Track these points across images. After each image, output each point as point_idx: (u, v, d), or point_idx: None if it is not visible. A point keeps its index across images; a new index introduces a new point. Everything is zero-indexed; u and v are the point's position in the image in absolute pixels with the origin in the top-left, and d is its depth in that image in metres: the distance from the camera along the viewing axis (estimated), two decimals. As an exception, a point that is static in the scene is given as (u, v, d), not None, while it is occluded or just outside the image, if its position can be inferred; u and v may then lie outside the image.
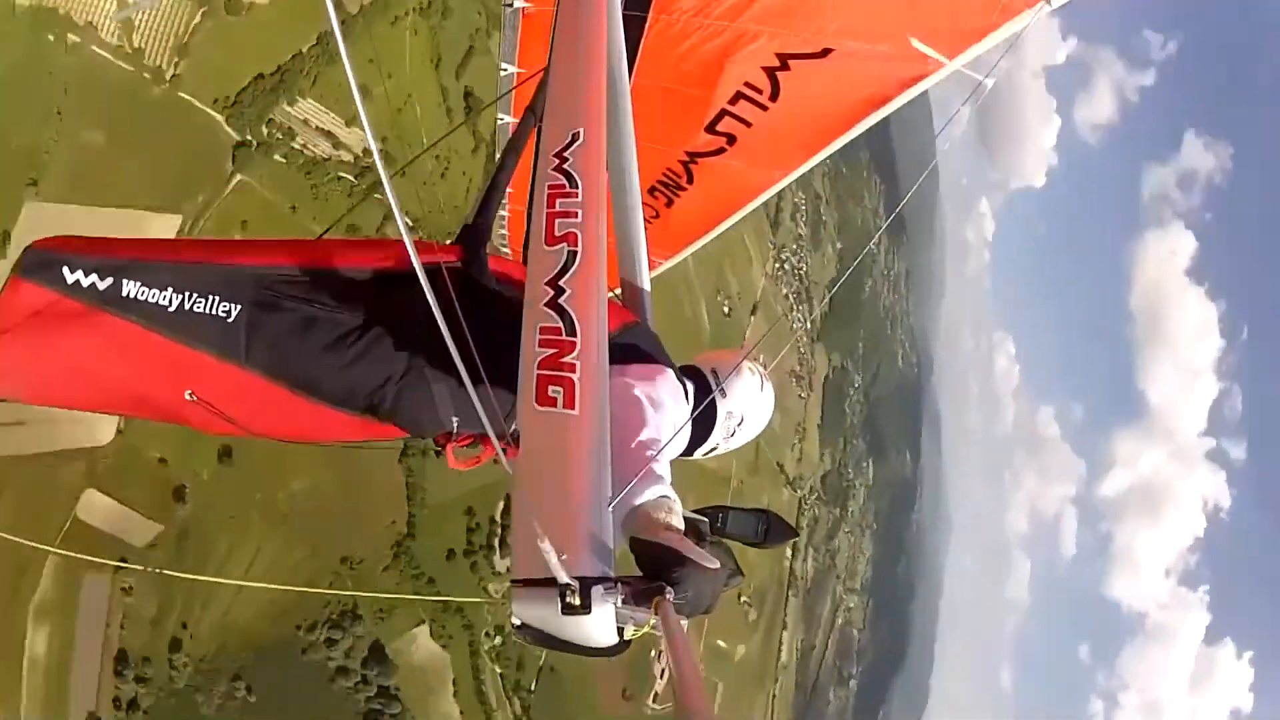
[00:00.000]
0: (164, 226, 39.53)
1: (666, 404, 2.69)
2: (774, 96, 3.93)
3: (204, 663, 40.76)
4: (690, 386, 3.07)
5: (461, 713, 51.03)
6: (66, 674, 36.87)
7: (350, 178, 50.13)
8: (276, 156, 48.06)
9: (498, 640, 51.26)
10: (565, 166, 2.40)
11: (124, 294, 2.33)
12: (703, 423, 3.08)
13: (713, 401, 3.08)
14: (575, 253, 2.21)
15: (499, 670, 51.79)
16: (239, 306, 2.43)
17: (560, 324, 2.08)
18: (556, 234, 2.26)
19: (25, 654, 34.99)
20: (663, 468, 2.46)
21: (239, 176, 45.78)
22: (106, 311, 2.31)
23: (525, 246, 2.77)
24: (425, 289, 1.69)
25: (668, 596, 1.89)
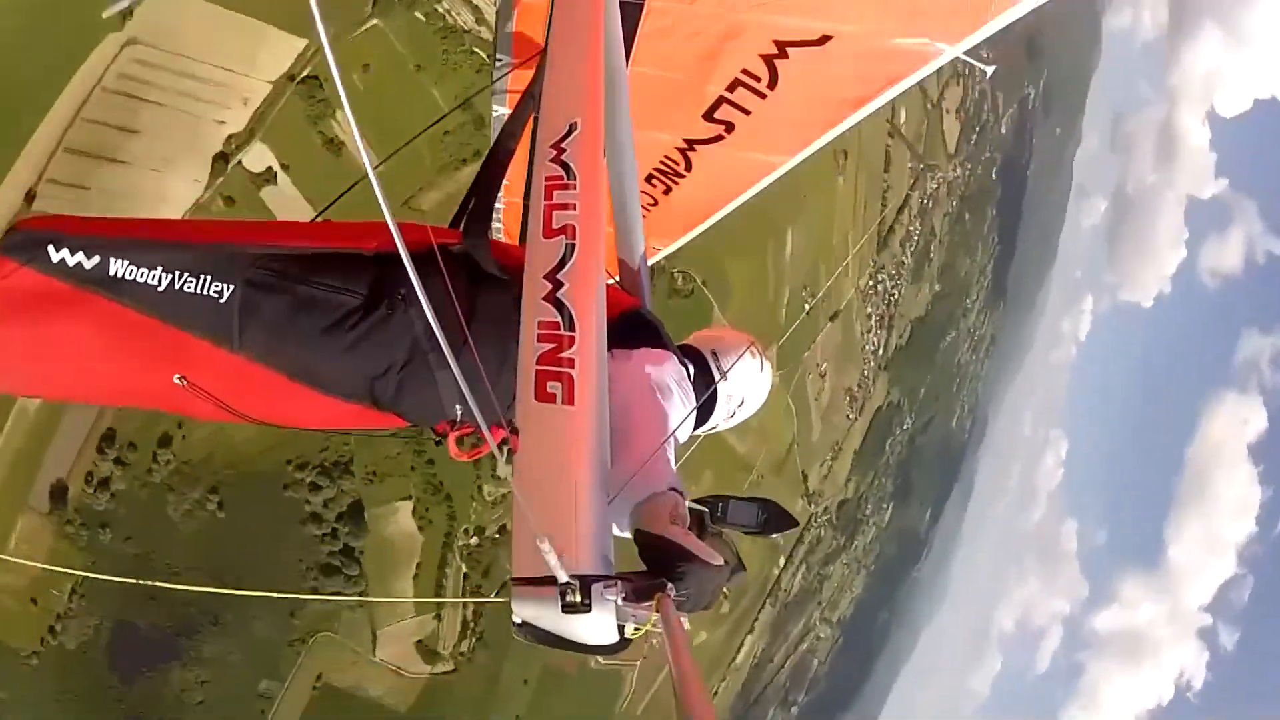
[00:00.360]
0: (286, 48, 37.59)
1: (673, 389, 2.67)
2: (773, 84, 3.89)
3: (187, 466, 40.03)
4: (691, 369, 3.09)
5: (414, 598, 50.34)
6: (50, 435, 36.11)
7: (483, 55, 48.15)
8: (417, 13, 45.24)
9: (474, 541, 49.79)
10: (563, 158, 2.37)
11: (111, 273, 2.18)
12: (704, 405, 3.14)
13: (714, 384, 3.14)
14: (573, 245, 2.19)
15: (465, 570, 50.21)
16: (232, 286, 2.28)
17: (559, 318, 2.06)
18: (554, 226, 2.24)
19: (17, 403, 33.55)
20: (669, 455, 2.47)
21: (375, 21, 42.94)
22: (92, 292, 2.17)
23: (522, 239, 2.75)
24: (411, 273, 1.56)
25: (669, 593, 1.88)
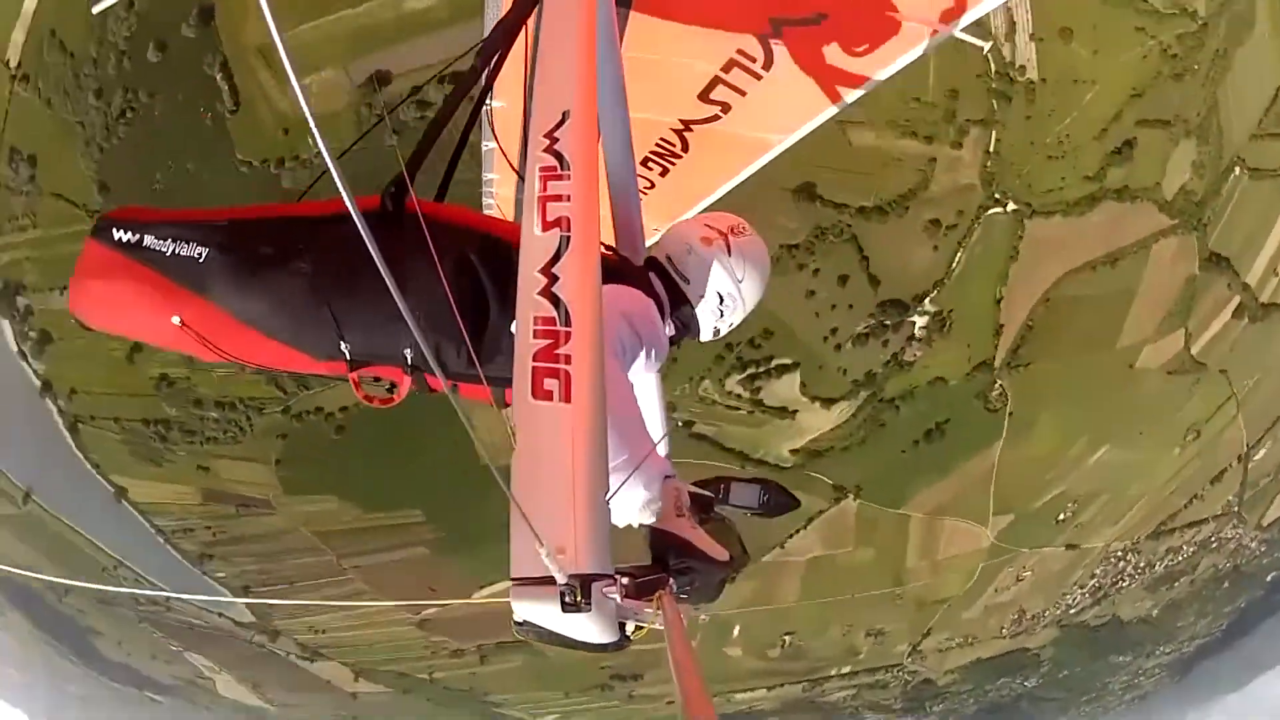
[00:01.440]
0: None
1: (638, 340, 2.78)
2: (768, 64, 3.85)
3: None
4: (660, 289, 3.12)
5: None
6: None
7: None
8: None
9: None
10: (556, 148, 2.33)
11: (144, 245, 2.93)
12: (683, 315, 3.19)
13: (683, 297, 3.16)
14: (568, 238, 2.16)
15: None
16: (208, 249, 2.90)
17: (555, 313, 2.04)
18: (548, 219, 2.21)
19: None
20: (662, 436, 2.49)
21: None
22: (131, 258, 2.93)
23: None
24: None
25: (671, 589, 1.88)
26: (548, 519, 1.78)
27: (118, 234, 2.99)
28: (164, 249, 2.93)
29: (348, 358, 2.91)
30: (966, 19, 3.13)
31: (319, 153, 1.50)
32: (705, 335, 3.26)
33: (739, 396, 34.57)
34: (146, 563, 36.17)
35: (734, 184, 5.54)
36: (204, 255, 2.91)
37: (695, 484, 3.05)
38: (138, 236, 2.97)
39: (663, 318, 3.06)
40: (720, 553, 2.05)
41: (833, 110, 4.28)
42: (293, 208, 3.11)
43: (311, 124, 1.51)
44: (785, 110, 4.42)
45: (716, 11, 3.71)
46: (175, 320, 2.95)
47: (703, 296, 3.13)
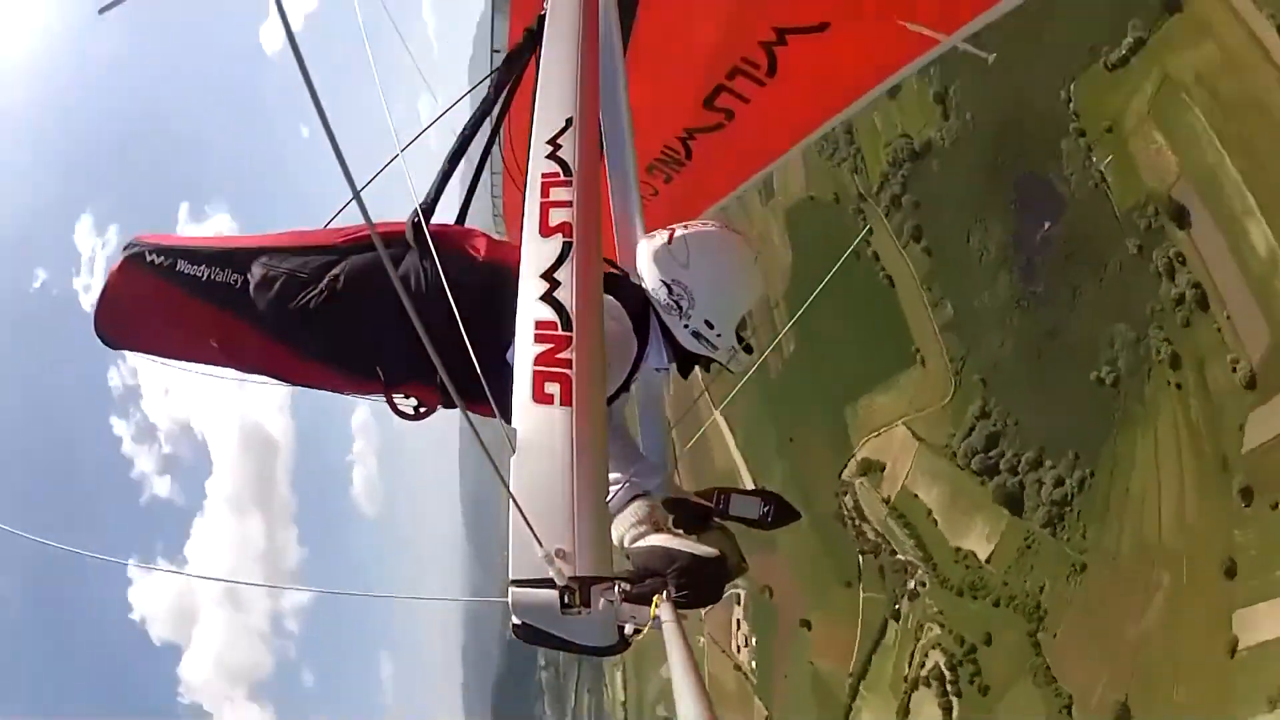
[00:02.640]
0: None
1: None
2: (771, 72, 3.86)
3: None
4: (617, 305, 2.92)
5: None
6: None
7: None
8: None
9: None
10: (559, 154, 2.35)
11: (176, 269, 3.02)
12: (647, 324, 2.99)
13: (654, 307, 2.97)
14: (570, 244, 2.17)
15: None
16: (243, 276, 2.97)
17: (556, 318, 2.05)
18: (550, 224, 2.22)
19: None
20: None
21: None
22: (165, 280, 3.02)
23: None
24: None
25: (669, 593, 1.88)
26: (548, 521, 1.79)
27: (150, 257, 3.07)
28: (199, 274, 3.02)
29: (383, 379, 2.93)
30: (969, 30, 3.13)
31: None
32: (681, 336, 2.95)
33: None
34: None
35: (739, 191, 5.56)
36: (240, 281, 2.99)
37: (696, 494, 3.06)
38: (170, 261, 3.05)
39: (645, 333, 2.94)
40: (708, 551, 2.05)
41: (837, 118, 4.30)
42: (321, 235, 3.16)
43: (337, 149, 1.52)
44: (789, 117, 4.44)
45: (721, 19, 3.72)
46: (213, 342, 3.05)
47: (654, 291, 2.93)
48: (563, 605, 1.75)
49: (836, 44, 3.50)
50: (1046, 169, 55.19)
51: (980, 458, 62.82)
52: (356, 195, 1.43)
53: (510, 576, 1.81)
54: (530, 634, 1.86)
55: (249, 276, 2.98)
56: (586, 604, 1.75)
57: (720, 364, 3.10)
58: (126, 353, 3.35)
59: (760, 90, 4.03)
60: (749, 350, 3.07)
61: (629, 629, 1.90)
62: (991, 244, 59.75)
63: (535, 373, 1.97)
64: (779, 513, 3.01)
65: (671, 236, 2.98)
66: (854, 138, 67.61)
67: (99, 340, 3.21)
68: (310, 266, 2.99)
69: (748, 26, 3.67)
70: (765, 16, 3.56)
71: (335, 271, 2.94)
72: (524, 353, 2.01)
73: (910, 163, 65.73)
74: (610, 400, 2.99)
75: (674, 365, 3.13)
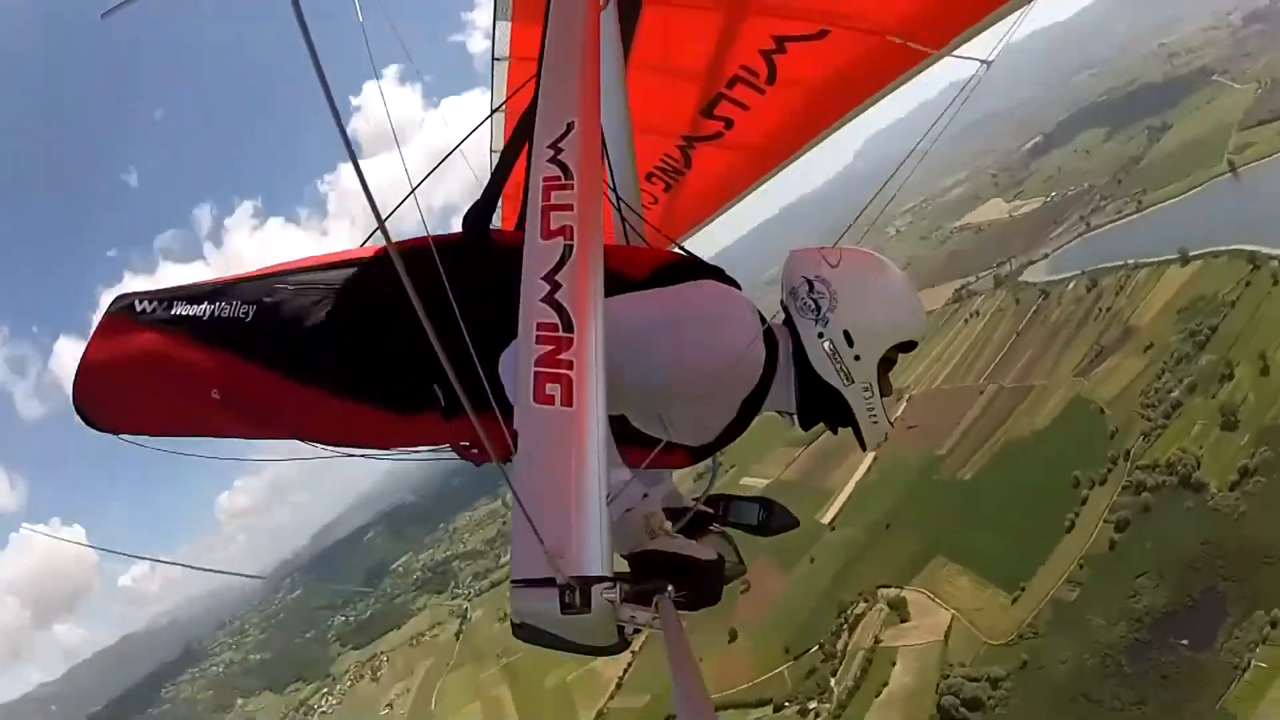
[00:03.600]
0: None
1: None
2: (770, 80, 3.88)
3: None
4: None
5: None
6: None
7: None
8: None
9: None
10: (560, 158, 2.36)
11: (173, 312, 2.65)
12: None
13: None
14: (571, 246, 2.18)
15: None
16: (254, 306, 2.58)
17: (557, 320, 2.06)
18: (551, 227, 2.23)
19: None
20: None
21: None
22: (157, 329, 2.64)
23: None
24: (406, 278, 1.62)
25: (668, 593, 1.88)
26: (549, 522, 1.79)
27: (141, 305, 2.69)
28: (199, 313, 2.62)
29: (442, 403, 2.44)
30: (965, 39, 3.16)
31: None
32: (814, 353, 2.55)
33: None
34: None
35: (737, 200, 5.57)
36: (251, 312, 2.58)
37: (694, 499, 3.06)
38: (165, 304, 2.67)
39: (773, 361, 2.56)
40: (706, 553, 2.06)
41: (836, 125, 4.32)
42: (341, 255, 2.76)
43: (358, 170, 1.53)
44: (788, 125, 4.46)
45: (720, 27, 3.75)
46: (215, 394, 2.56)
47: (791, 292, 2.59)
48: (563, 605, 1.76)
49: (835, 51, 3.53)
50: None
51: (956, 706, 64.28)
52: (388, 216, 1.44)
53: (512, 576, 1.82)
54: (530, 633, 1.87)
55: (260, 306, 2.58)
56: (587, 604, 1.76)
57: (854, 422, 2.60)
58: (116, 435, 2.77)
59: (760, 98, 4.05)
60: (887, 393, 2.58)
61: (629, 629, 1.91)
62: None
63: (536, 373, 1.99)
64: (777, 519, 3.02)
65: (823, 247, 2.63)
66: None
67: (82, 421, 2.75)
68: (336, 279, 2.60)
69: (748, 35, 3.69)
70: (766, 25, 3.58)
71: (370, 284, 2.55)
72: (525, 354, 2.02)
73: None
74: (718, 445, 2.69)
75: (796, 415, 2.70)
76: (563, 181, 2.30)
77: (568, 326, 2.04)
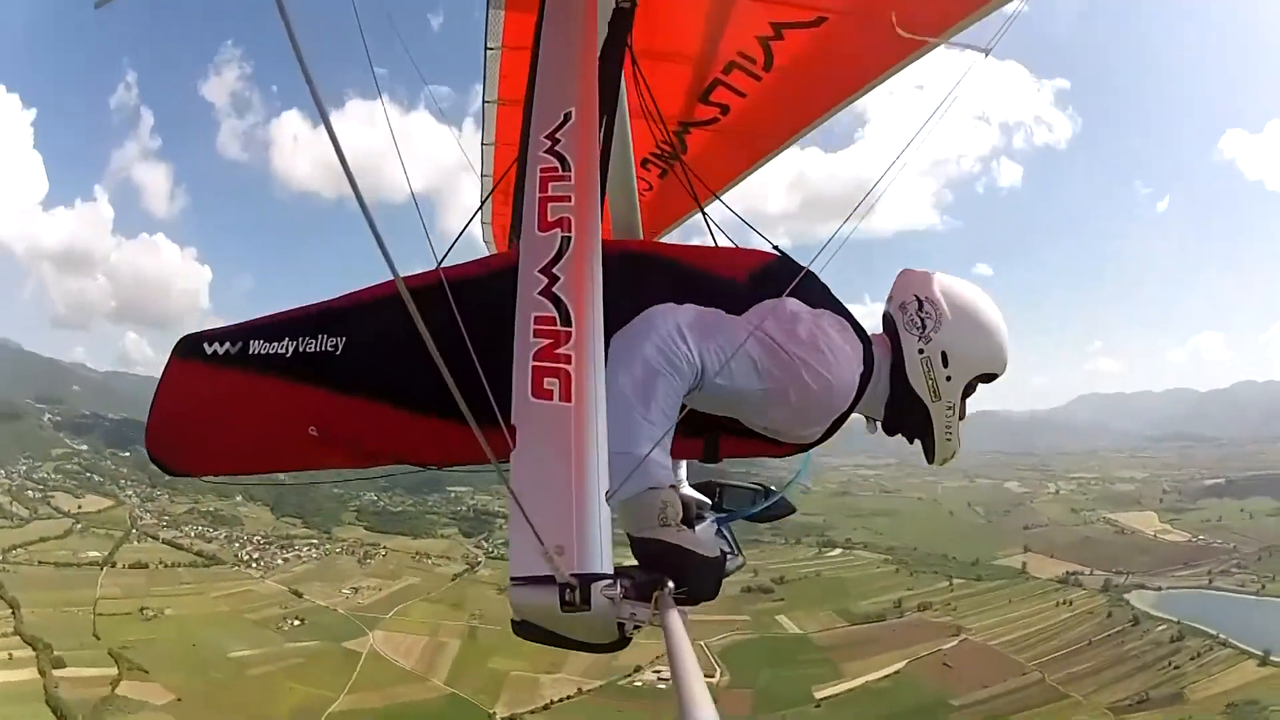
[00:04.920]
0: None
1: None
2: (767, 66, 3.85)
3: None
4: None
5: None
6: None
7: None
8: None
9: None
10: (557, 148, 2.33)
11: (250, 352, 2.58)
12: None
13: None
14: (569, 238, 2.16)
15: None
16: (344, 338, 2.55)
17: (555, 313, 2.04)
18: (549, 219, 2.20)
19: None
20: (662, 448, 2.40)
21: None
22: (236, 369, 2.58)
23: (514, 236, 2.71)
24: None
25: (667, 590, 1.88)
26: (547, 518, 1.78)
27: (211, 348, 2.61)
28: (281, 350, 2.56)
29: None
30: (963, 26, 3.13)
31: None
32: (910, 363, 2.67)
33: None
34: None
35: (733, 186, 5.53)
36: (342, 344, 2.54)
37: (692, 485, 3.07)
38: (239, 345, 2.60)
39: (870, 368, 2.67)
40: (709, 549, 2.05)
41: (831, 113, 4.29)
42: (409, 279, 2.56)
43: (353, 184, 1.50)
44: (784, 112, 4.43)
45: (718, 13, 3.71)
46: (312, 431, 2.54)
47: (902, 304, 2.71)
48: (563, 603, 1.75)
49: (833, 38, 3.49)
50: None
51: None
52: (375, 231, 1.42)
53: (510, 573, 1.81)
54: (530, 631, 1.86)
55: (351, 337, 2.54)
56: (586, 601, 1.75)
57: (930, 435, 2.74)
58: (195, 478, 2.83)
59: (756, 85, 4.01)
60: (962, 416, 2.74)
61: (629, 625, 1.90)
62: None
63: (534, 368, 1.97)
64: (773, 506, 3.03)
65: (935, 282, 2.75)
66: None
67: (156, 466, 2.72)
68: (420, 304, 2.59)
69: (746, 21, 3.65)
70: (764, 11, 3.54)
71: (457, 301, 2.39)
72: (523, 348, 2.01)
73: None
74: (816, 441, 2.77)
75: (881, 421, 2.82)
76: (560, 172, 2.27)
77: (566, 320, 2.02)
